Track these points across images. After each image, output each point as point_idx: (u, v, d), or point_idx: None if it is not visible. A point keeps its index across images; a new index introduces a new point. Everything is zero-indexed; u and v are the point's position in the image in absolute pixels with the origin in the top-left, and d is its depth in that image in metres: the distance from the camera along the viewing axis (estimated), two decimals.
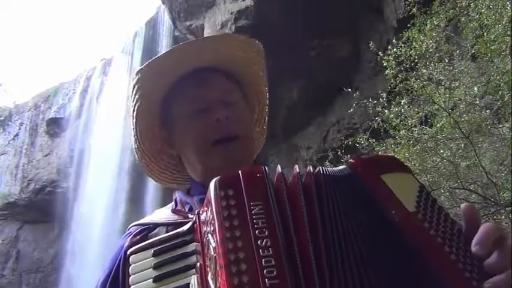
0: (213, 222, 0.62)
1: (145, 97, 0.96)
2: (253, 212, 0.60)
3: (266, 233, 0.58)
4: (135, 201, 17.71)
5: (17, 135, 22.48)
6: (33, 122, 22.18)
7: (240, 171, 0.66)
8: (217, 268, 0.57)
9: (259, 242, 0.57)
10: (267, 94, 1.10)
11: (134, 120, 0.99)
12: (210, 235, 0.62)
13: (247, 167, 0.70)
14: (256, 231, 0.58)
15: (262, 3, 12.20)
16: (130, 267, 0.68)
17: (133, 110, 0.98)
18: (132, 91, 0.97)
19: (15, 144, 22.24)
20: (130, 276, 0.68)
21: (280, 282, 0.54)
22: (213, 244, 0.61)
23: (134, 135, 1.01)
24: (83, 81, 22.09)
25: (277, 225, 0.59)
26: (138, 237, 0.83)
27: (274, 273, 0.54)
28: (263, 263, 0.55)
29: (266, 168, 0.66)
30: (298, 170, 0.66)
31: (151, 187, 17.74)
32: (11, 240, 20.87)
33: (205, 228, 0.65)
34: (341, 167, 0.71)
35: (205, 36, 14.26)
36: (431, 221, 0.61)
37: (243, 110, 0.97)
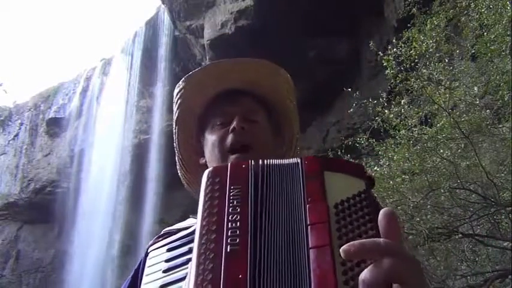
0: (199, 203, 0.72)
1: (184, 109, 1.09)
2: (231, 193, 0.70)
3: (238, 209, 0.68)
4: (135, 201, 17.72)
5: (17, 135, 22.49)
6: (33, 122, 22.20)
7: (229, 163, 0.77)
8: (195, 239, 0.67)
9: (230, 217, 0.67)
10: (297, 123, 1.14)
11: (175, 131, 1.11)
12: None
13: (237, 160, 0.78)
14: (230, 208, 0.68)
15: (262, 3, 12.20)
16: (147, 261, 0.80)
17: (174, 121, 1.10)
18: (174, 102, 1.09)
19: (15, 144, 22.25)
20: (146, 268, 0.79)
21: (240, 248, 0.64)
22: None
23: (175, 146, 1.13)
24: (83, 81, 22.11)
25: (249, 203, 0.69)
26: (161, 238, 0.94)
27: (237, 241, 0.65)
28: (229, 233, 0.65)
29: (252, 161, 0.76)
30: (252, 162, 0.76)
31: (151, 187, 17.76)
32: (11, 240, 20.87)
33: None
34: (295, 158, 0.78)
35: (205, 36, 14.28)
36: (345, 217, 0.65)
37: (263, 129, 1.04)
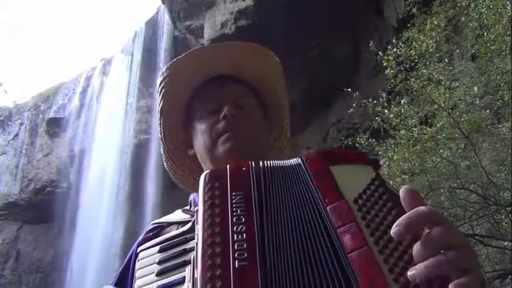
0: (198, 211, 0.67)
1: (169, 98, 1.02)
2: (234, 201, 0.66)
3: (243, 219, 0.63)
4: (135, 201, 17.72)
5: (17, 135, 22.47)
6: (33, 122, 22.17)
7: (228, 166, 0.72)
8: (198, 252, 0.63)
9: (235, 228, 0.63)
10: (286, 107, 1.09)
11: (159, 120, 1.05)
12: (197, 224, 0.68)
13: (237, 162, 0.74)
14: (234, 218, 0.64)
15: (262, 3, 12.20)
16: (138, 263, 0.74)
17: (159, 111, 1.04)
18: (158, 92, 1.03)
19: (15, 144, 22.22)
20: (137, 270, 0.73)
21: (249, 264, 0.59)
22: (197, 232, 0.66)
23: (160, 137, 1.07)
24: (83, 81, 22.09)
25: (254, 212, 0.64)
26: (151, 233, 0.90)
27: (245, 255, 0.60)
28: (236, 246, 0.61)
29: (253, 163, 0.72)
30: (253, 164, 0.72)
31: (151, 186, 17.75)
32: (11, 240, 20.86)
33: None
34: (294, 159, 0.75)
35: (205, 36, 14.28)
36: (368, 211, 0.62)
37: (253, 114, 0.99)
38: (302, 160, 0.72)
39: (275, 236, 0.63)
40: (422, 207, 0.54)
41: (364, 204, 0.63)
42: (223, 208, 0.65)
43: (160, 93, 1.02)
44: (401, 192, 0.57)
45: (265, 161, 0.73)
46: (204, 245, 0.62)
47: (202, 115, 0.98)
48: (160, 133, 1.06)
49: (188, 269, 0.68)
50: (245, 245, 0.61)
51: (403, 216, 0.54)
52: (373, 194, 0.64)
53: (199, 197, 0.69)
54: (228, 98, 0.97)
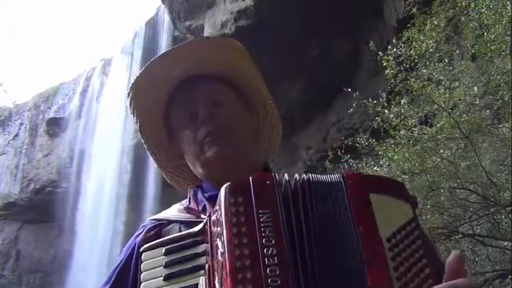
0: (221, 226, 0.63)
1: (143, 118, 1.01)
2: (261, 219, 0.62)
3: (273, 241, 0.60)
4: (136, 200, 17.72)
5: (17, 135, 22.46)
6: (33, 122, 22.16)
7: (250, 178, 0.67)
8: (224, 273, 0.59)
9: (265, 251, 0.59)
10: (263, 87, 1.06)
11: (143, 140, 1.04)
12: (218, 239, 0.64)
13: (258, 174, 0.70)
14: (263, 240, 0.60)
15: (262, 3, 12.20)
16: (142, 264, 0.71)
17: (140, 133, 1.03)
18: (132, 113, 1.00)
19: (15, 144, 22.22)
20: (142, 272, 0.70)
21: None
22: (221, 249, 0.62)
23: (152, 157, 1.06)
24: (83, 81, 22.08)
25: (283, 234, 0.61)
26: (152, 232, 0.86)
27: (278, 282, 0.57)
28: (268, 271, 0.57)
29: (276, 175, 0.68)
30: (287, 178, 0.69)
31: (151, 186, 17.75)
32: (11, 240, 20.86)
33: (214, 230, 0.67)
34: (334, 175, 0.71)
35: (205, 35, 14.27)
36: (399, 253, 0.60)
37: (230, 107, 0.98)
38: (343, 178, 0.68)
39: (306, 261, 0.61)
40: (468, 282, 0.57)
41: (396, 244, 0.61)
42: (250, 228, 0.61)
43: (134, 115, 1.00)
44: (451, 256, 0.59)
45: (295, 175, 0.70)
46: (233, 267, 0.59)
47: (182, 123, 0.97)
48: (149, 152, 1.05)
49: (203, 279, 0.65)
50: (277, 271, 0.58)
51: (450, 283, 0.57)
52: (407, 236, 0.62)
53: (221, 212, 0.65)
54: (201, 99, 0.96)
